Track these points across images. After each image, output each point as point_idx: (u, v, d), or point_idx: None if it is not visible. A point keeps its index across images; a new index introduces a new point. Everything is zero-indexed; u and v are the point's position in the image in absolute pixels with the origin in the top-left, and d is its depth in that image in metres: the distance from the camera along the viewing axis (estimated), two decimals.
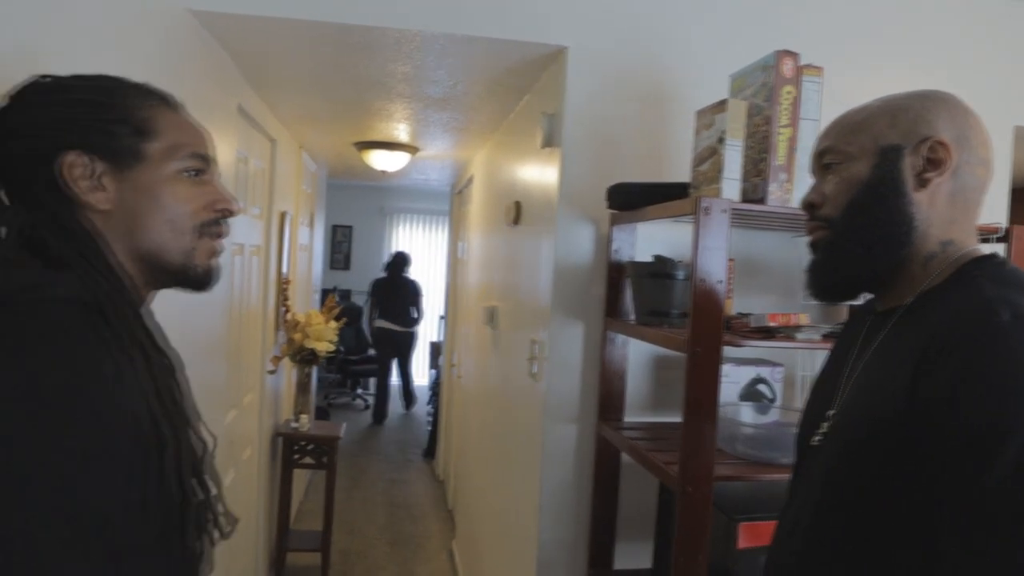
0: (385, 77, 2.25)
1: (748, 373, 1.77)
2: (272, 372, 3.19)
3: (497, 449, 2.66)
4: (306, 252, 4.42)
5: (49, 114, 0.76)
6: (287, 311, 3.41)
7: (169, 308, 0.83)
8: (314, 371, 3.62)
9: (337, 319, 3.47)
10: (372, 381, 7.30)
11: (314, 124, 3.23)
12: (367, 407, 7.07)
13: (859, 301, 1.03)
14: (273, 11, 1.70)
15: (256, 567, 3.01)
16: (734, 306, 1.77)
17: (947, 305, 0.80)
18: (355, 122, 3.12)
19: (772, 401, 1.77)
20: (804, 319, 1.42)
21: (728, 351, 1.35)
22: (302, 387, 3.46)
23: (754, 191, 1.43)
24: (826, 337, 1.42)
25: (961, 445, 0.70)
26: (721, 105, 1.39)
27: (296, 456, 3.40)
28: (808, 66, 1.42)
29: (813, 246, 0.93)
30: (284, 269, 3.35)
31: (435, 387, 5.80)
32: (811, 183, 0.95)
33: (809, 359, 1.89)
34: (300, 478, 4.21)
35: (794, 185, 1.41)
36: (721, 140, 1.37)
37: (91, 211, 0.77)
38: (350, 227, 7.82)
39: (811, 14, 1.88)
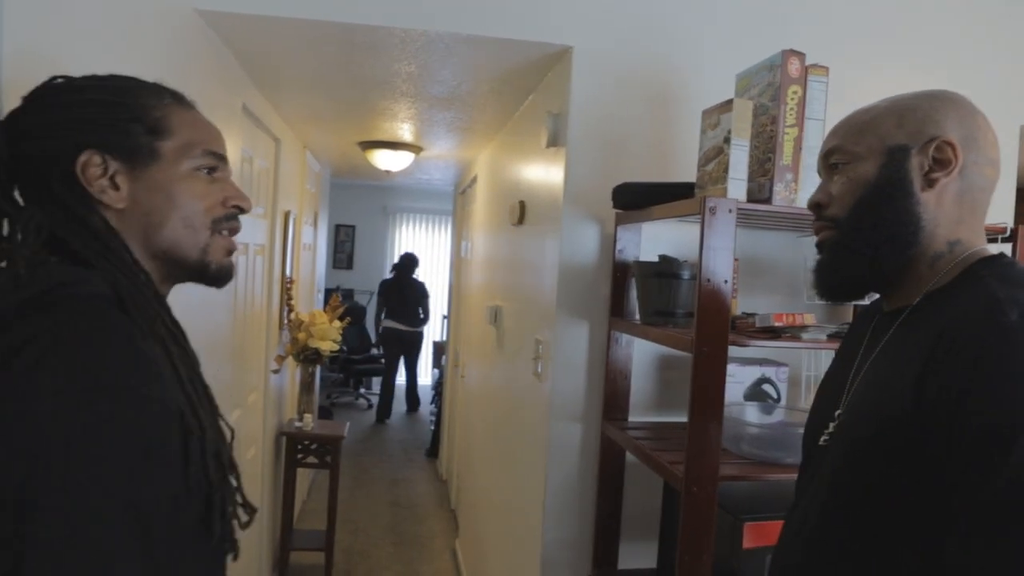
0: (389, 77, 2.25)
1: (753, 373, 1.77)
2: (276, 371, 3.19)
3: (501, 449, 2.66)
4: (310, 252, 4.42)
5: (64, 115, 0.77)
6: (291, 311, 3.42)
7: (174, 308, 0.83)
8: (317, 371, 3.62)
9: (341, 319, 3.47)
10: (375, 381, 7.31)
11: (318, 124, 3.24)
12: (370, 407, 7.07)
13: (865, 301, 1.03)
14: (278, 11, 1.70)
15: (260, 566, 3.02)
16: (739, 306, 1.77)
17: (955, 305, 0.80)
18: (359, 122, 3.12)
19: (777, 401, 1.77)
20: (810, 319, 1.42)
21: (732, 351, 1.35)
22: (306, 386, 3.46)
23: (760, 191, 1.43)
24: (831, 337, 1.42)
25: (970, 445, 0.69)
26: (727, 105, 1.39)
27: (300, 455, 3.41)
28: (814, 66, 1.41)
29: (820, 246, 0.93)
30: (288, 269, 3.36)
31: (438, 387, 5.80)
32: (817, 183, 0.95)
33: (814, 359, 1.88)
34: (304, 477, 4.22)
35: (800, 185, 1.41)
36: (727, 140, 1.37)
37: (107, 210, 0.77)
38: (353, 227, 7.83)
39: (813, 14, 1.88)
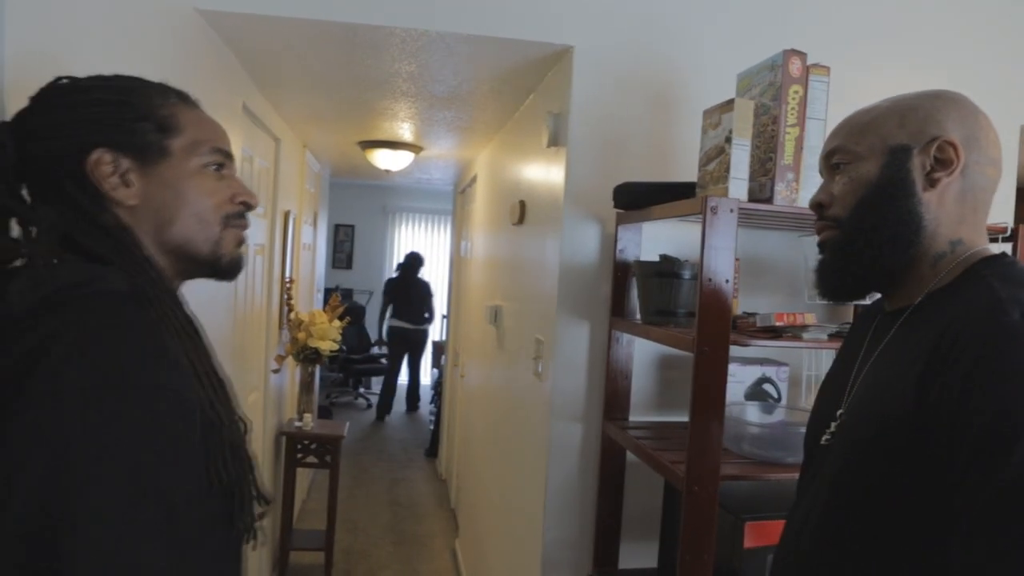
0: (390, 76, 2.25)
1: (753, 373, 1.77)
2: (276, 371, 3.19)
3: (501, 448, 2.66)
4: (309, 251, 4.42)
5: (72, 115, 0.77)
6: (291, 310, 3.42)
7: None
8: (317, 370, 3.62)
9: (340, 318, 3.47)
10: (375, 380, 7.31)
11: (318, 123, 3.23)
12: (369, 406, 7.07)
13: (867, 301, 1.03)
14: (279, 10, 1.70)
15: (260, 566, 3.02)
16: (740, 305, 1.77)
17: (957, 304, 0.80)
18: (359, 121, 3.12)
19: (777, 401, 1.77)
20: (811, 319, 1.42)
21: (733, 350, 1.35)
22: (305, 386, 3.46)
23: (761, 191, 1.43)
24: (832, 337, 1.42)
25: (972, 444, 0.69)
26: (728, 104, 1.39)
27: (299, 455, 3.41)
28: (816, 65, 1.41)
29: (821, 246, 0.93)
30: (288, 269, 3.36)
31: (437, 386, 5.81)
32: (819, 183, 0.95)
33: (815, 359, 1.89)
34: (303, 477, 4.22)
35: (801, 185, 1.41)
36: (728, 139, 1.37)
37: (119, 207, 0.78)
38: (352, 226, 7.83)
39: (813, 14, 1.88)
